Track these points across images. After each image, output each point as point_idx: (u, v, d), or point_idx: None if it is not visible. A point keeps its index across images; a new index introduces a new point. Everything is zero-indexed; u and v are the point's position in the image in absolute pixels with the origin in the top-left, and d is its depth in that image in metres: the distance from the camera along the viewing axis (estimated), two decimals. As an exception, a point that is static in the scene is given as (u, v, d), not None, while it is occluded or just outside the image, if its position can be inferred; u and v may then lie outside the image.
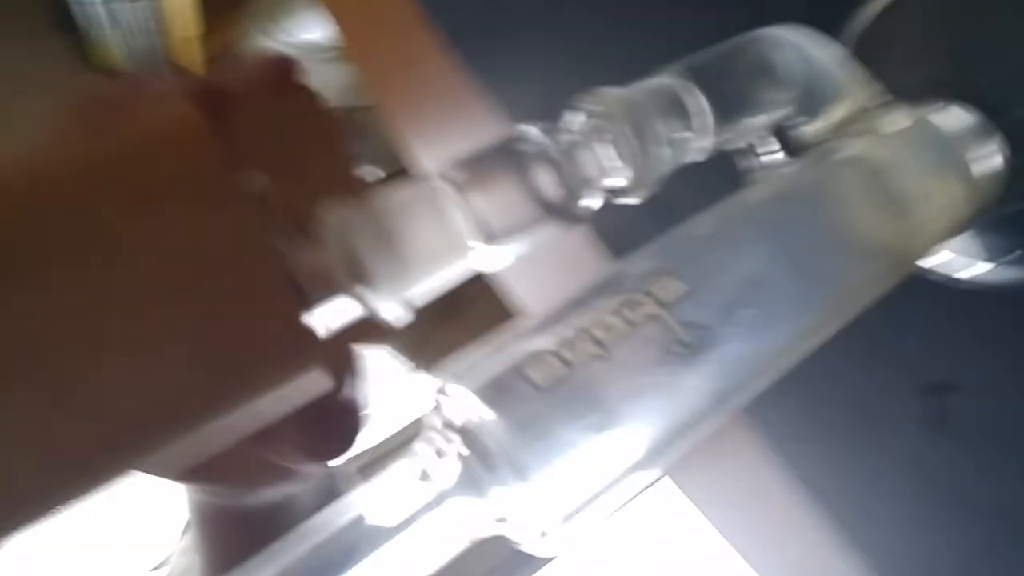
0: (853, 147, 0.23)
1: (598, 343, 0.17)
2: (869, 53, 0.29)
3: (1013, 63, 0.26)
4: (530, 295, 0.46)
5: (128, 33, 1.54)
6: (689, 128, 0.22)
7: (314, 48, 1.26)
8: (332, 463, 0.22)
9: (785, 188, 0.22)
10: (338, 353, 0.23)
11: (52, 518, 0.14)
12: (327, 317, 0.17)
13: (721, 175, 0.25)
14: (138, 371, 0.14)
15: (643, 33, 0.36)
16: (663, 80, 0.22)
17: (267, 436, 0.19)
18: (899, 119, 0.24)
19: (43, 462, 0.13)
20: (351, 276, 0.17)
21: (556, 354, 0.17)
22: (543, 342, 0.17)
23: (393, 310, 0.18)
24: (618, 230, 0.35)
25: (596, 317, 0.18)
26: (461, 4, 0.45)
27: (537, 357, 0.17)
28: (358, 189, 0.20)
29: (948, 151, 0.24)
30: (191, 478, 0.23)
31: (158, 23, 1.54)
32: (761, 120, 0.23)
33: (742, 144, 0.24)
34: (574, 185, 0.20)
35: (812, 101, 0.24)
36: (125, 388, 0.14)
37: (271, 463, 0.22)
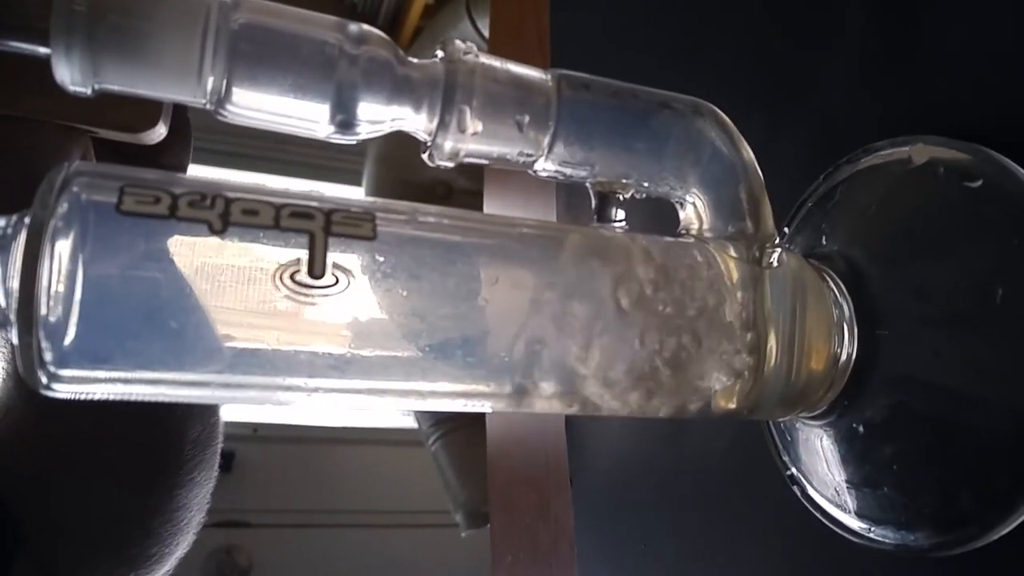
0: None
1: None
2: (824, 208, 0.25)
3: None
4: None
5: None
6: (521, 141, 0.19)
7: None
8: None
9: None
10: None
11: None
12: None
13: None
14: None
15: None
16: (537, 75, 0.20)
17: None
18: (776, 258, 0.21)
19: None
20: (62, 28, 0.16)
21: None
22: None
23: (76, 83, 0.17)
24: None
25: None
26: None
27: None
28: None
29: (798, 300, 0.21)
30: None
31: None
32: (614, 171, 0.20)
33: (614, 185, 0.21)
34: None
35: (703, 192, 0.21)
36: None
37: None
